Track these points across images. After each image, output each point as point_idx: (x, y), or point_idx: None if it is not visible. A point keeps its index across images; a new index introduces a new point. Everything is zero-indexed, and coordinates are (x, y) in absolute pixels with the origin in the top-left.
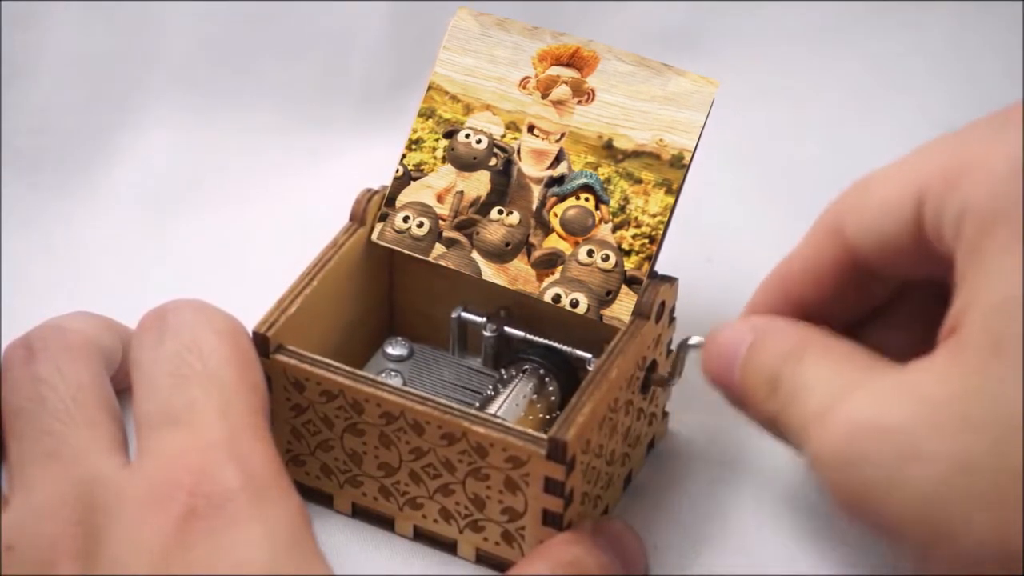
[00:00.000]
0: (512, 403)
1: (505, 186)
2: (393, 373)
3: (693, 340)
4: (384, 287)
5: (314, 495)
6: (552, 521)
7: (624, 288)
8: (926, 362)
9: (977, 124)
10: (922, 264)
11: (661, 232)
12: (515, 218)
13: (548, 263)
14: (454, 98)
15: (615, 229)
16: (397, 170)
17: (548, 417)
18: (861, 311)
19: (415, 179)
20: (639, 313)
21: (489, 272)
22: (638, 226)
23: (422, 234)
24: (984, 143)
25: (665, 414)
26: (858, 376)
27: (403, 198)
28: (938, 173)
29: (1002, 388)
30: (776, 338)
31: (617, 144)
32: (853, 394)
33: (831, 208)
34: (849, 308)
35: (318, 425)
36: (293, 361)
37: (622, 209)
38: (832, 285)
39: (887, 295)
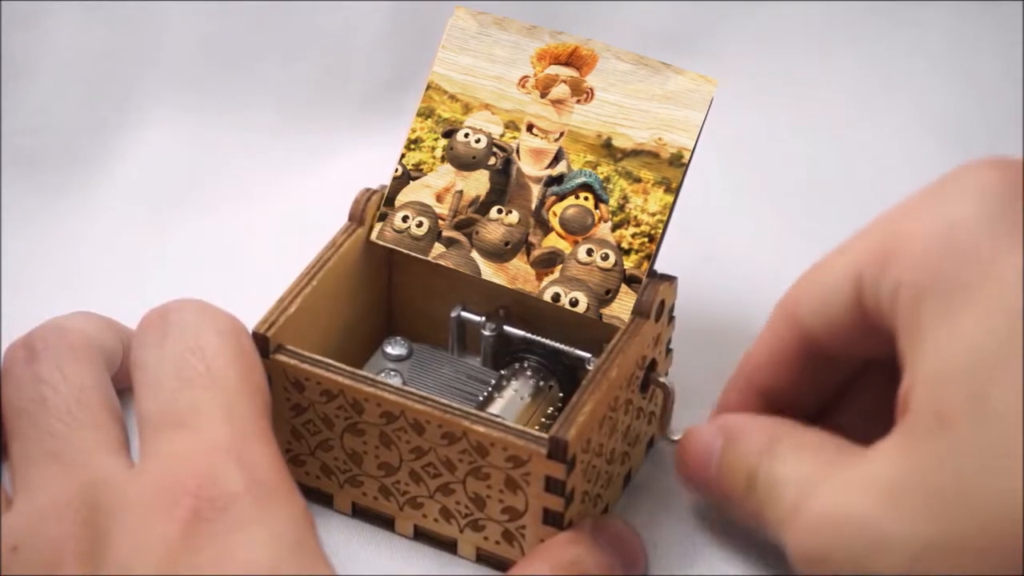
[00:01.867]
0: (512, 402)
1: (504, 185)
2: (393, 373)
3: (674, 436)
4: (383, 287)
5: (314, 495)
6: (553, 520)
7: (623, 287)
8: (884, 445)
9: (910, 199)
10: (870, 342)
11: (660, 231)
12: (514, 217)
13: (547, 262)
14: (453, 97)
15: (614, 228)
16: (396, 170)
17: (548, 417)
18: (825, 394)
19: (414, 179)
20: (639, 312)
21: (488, 271)
22: (637, 225)
23: (421, 234)
24: (912, 218)
25: None
26: (822, 469)
27: (402, 198)
28: (872, 254)
29: (952, 464)
30: (749, 436)
31: (616, 143)
32: (817, 490)
33: (787, 296)
34: (813, 393)
35: (318, 425)
36: (293, 361)
37: (621, 208)
38: (794, 371)
39: (848, 376)
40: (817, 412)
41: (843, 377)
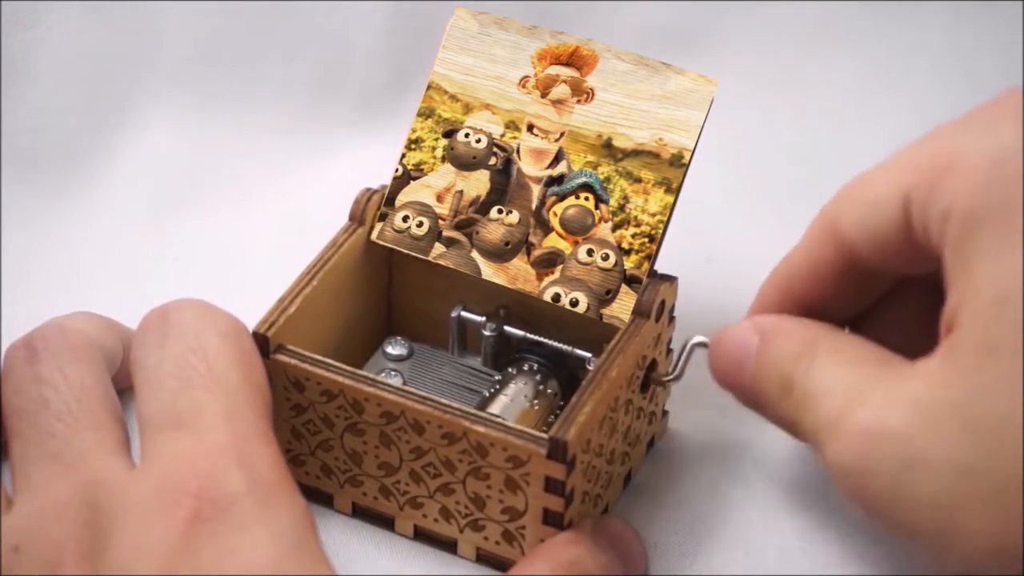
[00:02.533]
0: (512, 402)
1: (504, 185)
2: (393, 372)
3: (698, 339)
4: (383, 287)
5: (314, 495)
6: (553, 520)
7: (624, 287)
8: (926, 364)
9: (959, 120)
10: (916, 260)
11: (661, 231)
12: (515, 217)
13: (548, 262)
14: (453, 97)
15: (615, 228)
16: (396, 169)
17: (548, 417)
18: (864, 305)
19: (414, 179)
20: (639, 312)
21: (489, 271)
22: (638, 225)
23: (421, 233)
24: (963, 140)
25: (665, 413)
26: (866, 381)
27: (402, 198)
28: (921, 174)
29: (995, 393)
30: (785, 338)
31: (616, 143)
32: (860, 402)
33: (827, 207)
34: (852, 303)
35: (318, 425)
36: (293, 361)
37: (622, 208)
38: (833, 282)
39: (888, 288)
40: (854, 319)
41: (883, 289)
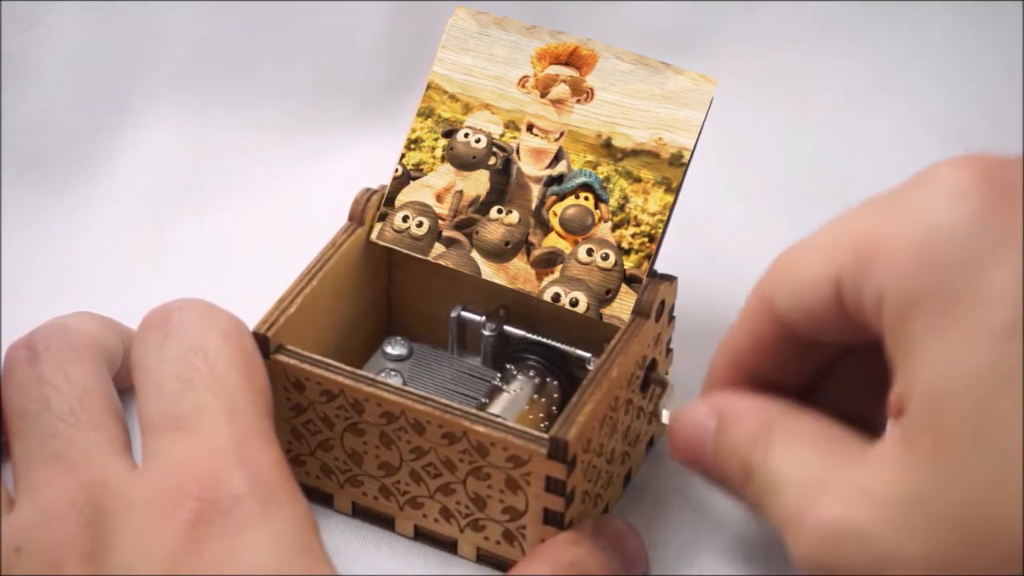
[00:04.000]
0: (512, 402)
1: (504, 185)
2: (393, 372)
3: (664, 419)
4: (383, 287)
5: (314, 495)
6: (553, 520)
7: (624, 287)
8: (882, 451)
9: (887, 196)
10: (855, 335)
11: (660, 231)
12: (514, 217)
13: (547, 262)
14: (453, 97)
15: (614, 228)
16: (396, 169)
17: (548, 417)
18: (814, 371)
19: (414, 178)
20: (639, 312)
21: (488, 271)
22: (637, 225)
23: (421, 233)
24: (891, 220)
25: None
26: (825, 469)
27: (402, 198)
28: (849, 256)
29: (955, 484)
30: (740, 422)
31: (616, 143)
32: (820, 495)
33: (760, 283)
34: (800, 372)
35: (318, 425)
36: (293, 361)
37: (621, 208)
38: (776, 355)
39: (835, 354)
40: (809, 385)
41: (830, 356)
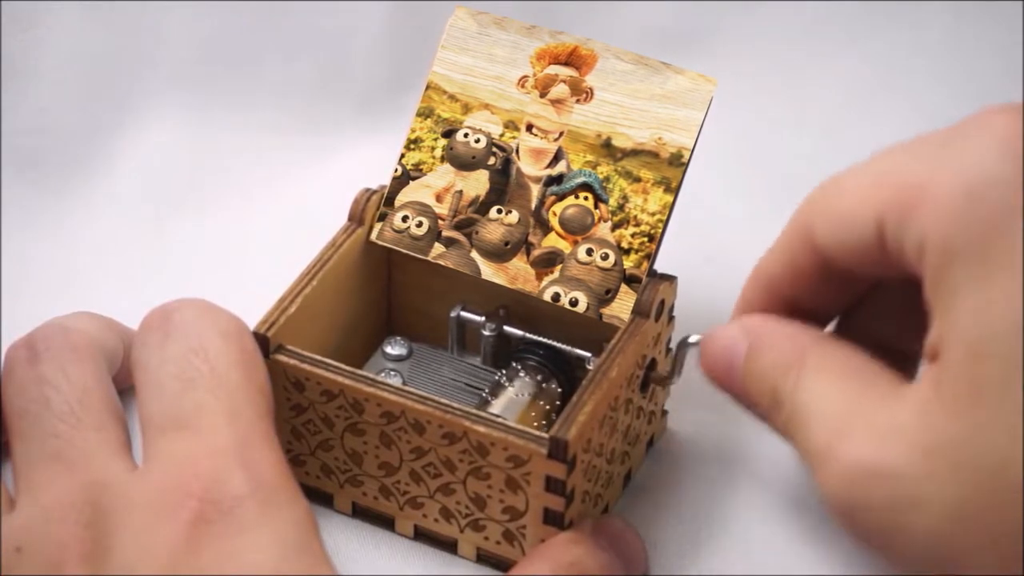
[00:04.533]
0: (512, 402)
1: (504, 185)
2: (392, 372)
3: (692, 339)
4: (383, 287)
5: (314, 495)
6: (553, 520)
7: (623, 287)
8: (915, 394)
9: (936, 137)
10: (895, 270)
11: (660, 230)
12: (514, 217)
13: (547, 262)
14: (452, 97)
15: (614, 228)
16: (396, 169)
17: (548, 417)
18: (850, 301)
19: (414, 179)
20: (639, 312)
21: (488, 271)
22: (637, 224)
23: (421, 233)
24: (936, 165)
25: (664, 412)
26: (854, 406)
27: (402, 198)
28: (894, 197)
29: (986, 436)
30: (771, 347)
31: (616, 143)
32: (850, 432)
33: (800, 212)
34: (836, 301)
35: (318, 425)
36: (293, 361)
37: (621, 208)
38: (813, 284)
39: (872, 285)
40: (843, 312)
41: (867, 285)
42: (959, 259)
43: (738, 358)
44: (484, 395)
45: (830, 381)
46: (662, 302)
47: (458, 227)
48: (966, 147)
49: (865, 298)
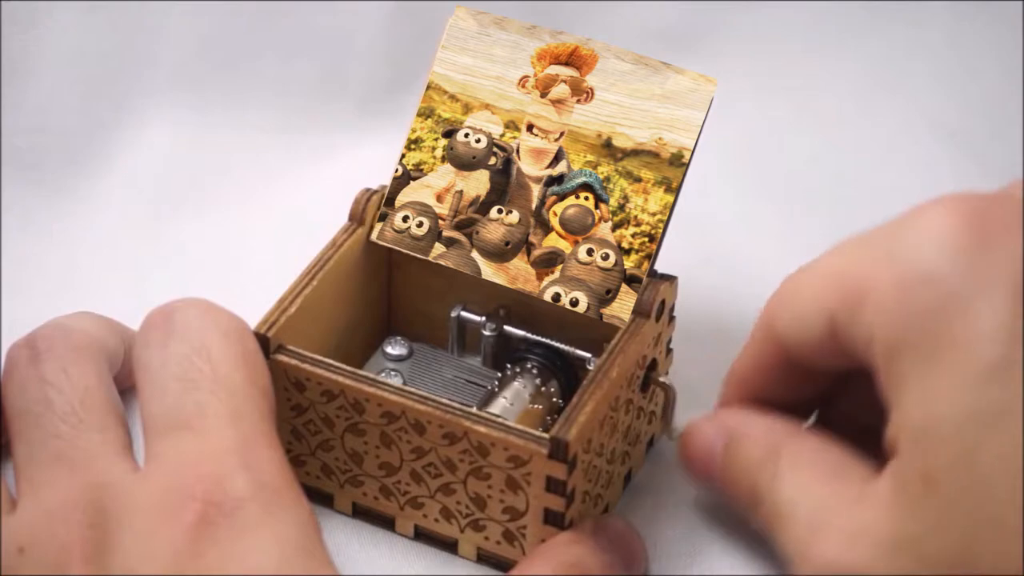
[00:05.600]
0: (512, 402)
1: (504, 185)
2: (393, 373)
3: (674, 434)
4: (383, 287)
5: (314, 495)
6: (554, 520)
7: (624, 287)
8: (878, 492)
9: (873, 235)
10: (852, 361)
11: (661, 231)
12: (515, 217)
13: (548, 262)
14: (453, 97)
15: (615, 228)
16: (396, 170)
17: (548, 416)
18: (821, 391)
19: (414, 179)
20: (639, 312)
21: (489, 271)
22: (638, 225)
23: (421, 234)
24: (875, 261)
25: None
26: (826, 506)
27: (402, 198)
28: (841, 296)
29: (943, 527)
30: (747, 446)
31: (616, 143)
32: (823, 535)
33: (765, 310)
34: (807, 392)
35: (319, 425)
36: (294, 361)
37: (621, 208)
38: (782, 378)
39: (840, 375)
40: (820, 400)
41: (835, 377)
42: (904, 355)
43: (716, 455)
44: (484, 395)
45: (804, 479)
46: (663, 302)
47: (458, 227)
48: (903, 244)
49: (843, 385)
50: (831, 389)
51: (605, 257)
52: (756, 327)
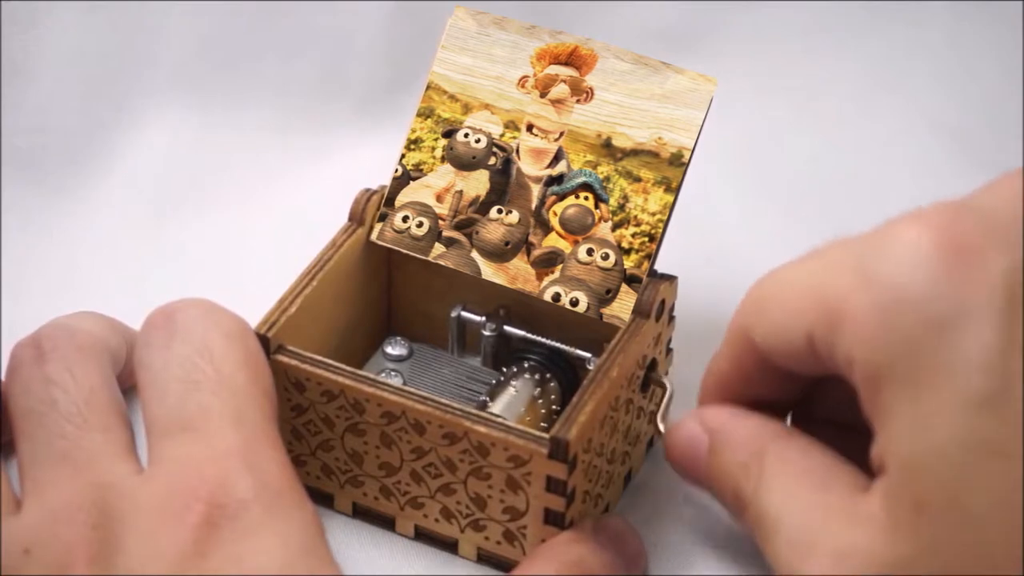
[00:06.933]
0: (513, 402)
1: (504, 185)
2: (393, 373)
3: (659, 426)
4: (383, 287)
5: (315, 495)
6: (554, 520)
7: (624, 287)
8: (868, 513)
9: (848, 250)
10: (831, 371)
11: (660, 230)
12: (514, 217)
13: (548, 262)
14: (453, 97)
15: (615, 228)
16: (396, 170)
17: (549, 416)
18: (800, 390)
19: (414, 179)
20: (639, 312)
21: (489, 271)
22: (637, 224)
23: (421, 234)
24: (851, 282)
25: None
26: (815, 523)
27: (402, 198)
28: (819, 315)
29: (933, 552)
30: (730, 445)
31: (616, 142)
32: (813, 555)
33: (738, 313)
34: (787, 392)
35: (319, 425)
36: (294, 361)
37: (621, 207)
38: (759, 379)
39: (818, 377)
40: (802, 398)
41: (812, 380)
42: (887, 379)
43: (702, 453)
44: (484, 395)
45: (790, 487)
46: (663, 302)
47: (458, 227)
48: (879, 265)
49: (822, 383)
50: (810, 387)
51: (605, 257)
52: (730, 330)
